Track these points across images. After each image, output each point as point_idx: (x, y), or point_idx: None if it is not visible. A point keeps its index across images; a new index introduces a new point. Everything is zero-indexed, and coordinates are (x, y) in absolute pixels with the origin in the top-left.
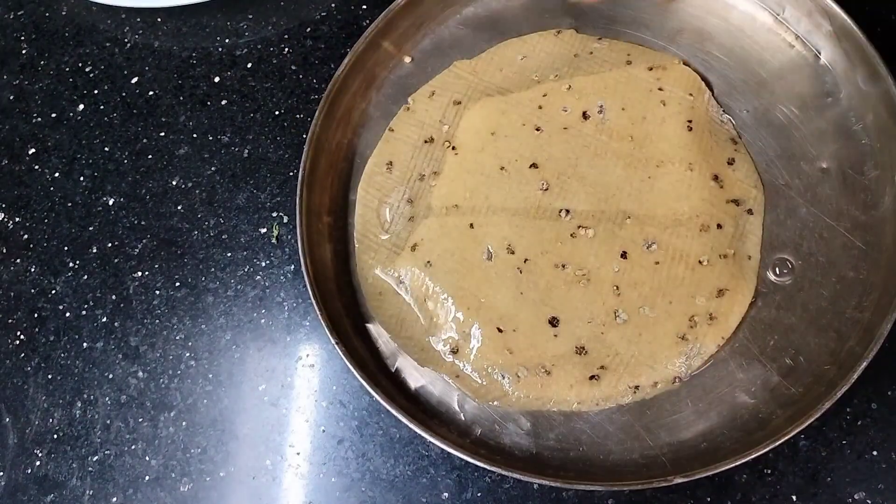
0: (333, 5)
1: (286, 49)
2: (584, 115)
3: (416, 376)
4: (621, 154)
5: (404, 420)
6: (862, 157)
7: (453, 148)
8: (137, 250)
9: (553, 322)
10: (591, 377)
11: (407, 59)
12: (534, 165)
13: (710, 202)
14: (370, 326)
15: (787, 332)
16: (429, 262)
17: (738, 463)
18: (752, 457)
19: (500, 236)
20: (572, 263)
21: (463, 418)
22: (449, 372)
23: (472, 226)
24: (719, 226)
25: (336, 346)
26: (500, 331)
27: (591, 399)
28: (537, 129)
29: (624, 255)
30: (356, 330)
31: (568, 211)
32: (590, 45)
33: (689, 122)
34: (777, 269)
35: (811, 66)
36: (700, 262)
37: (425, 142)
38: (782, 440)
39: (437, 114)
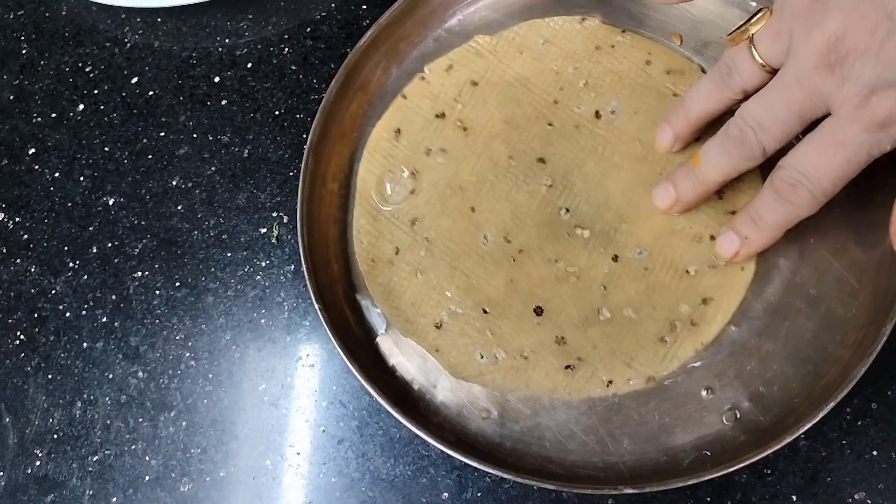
0: (333, 5)
1: (286, 49)
2: (597, 115)
3: (394, 351)
4: (627, 158)
5: (375, 394)
6: (870, 193)
7: (465, 129)
8: (137, 250)
9: (538, 311)
10: (567, 367)
11: (432, 38)
12: (541, 160)
13: (706, 213)
14: (359, 297)
15: (766, 360)
16: (426, 238)
17: (693, 482)
18: (706, 478)
19: (500, 224)
20: (565, 260)
21: (434, 399)
22: (430, 346)
23: (473, 209)
24: (712, 237)
25: (319, 311)
26: (485, 312)
27: (564, 388)
28: (550, 125)
29: (615, 258)
30: (346, 300)
31: (568, 210)
32: (612, 38)
33: None
34: None
35: None
36: (687, 271)
37: (437, 116)
38: (740, 465)
39: (453, 91)
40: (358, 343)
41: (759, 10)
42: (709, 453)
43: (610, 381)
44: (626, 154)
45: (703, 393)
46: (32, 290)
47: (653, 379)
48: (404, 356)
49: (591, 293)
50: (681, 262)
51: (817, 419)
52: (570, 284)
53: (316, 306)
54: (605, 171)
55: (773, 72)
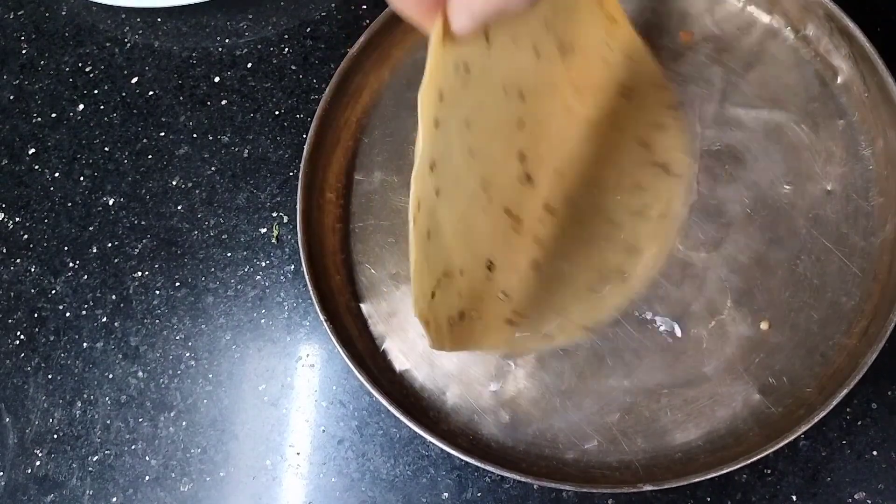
0: (333, 5)
1: (286, 49)
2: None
3: (401, 359)
4: (564, 107)
5: (391, 407)
6: (867, 183)
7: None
8: (137, 250)
9: (489, 266)
10: (509, 322)
11: (424, 41)
12: (521, 96)
13: (635, 163)
14: (362, 306)
15: (774, 352)
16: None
17: (709, 476)
18: (724, 472)
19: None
20: (513, 209)
21: (444, 406)
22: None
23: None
24: (640, 187)
25: (324, 322)
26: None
27: (507, 343)
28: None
29: (550, 210)
30: (348, 309)
31: (524, 156)
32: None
33: (626, 87)
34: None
35: (827, 86)
36: (616, 221)
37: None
38: (754, 458)
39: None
40: (363, 352)
41: None
42: (722, 447)
43: (547, 335)
44: (564, 101)
45: (714, 388)
46: (32, 290)
47: (587, 329)
48: (412, 364)
49: (528, 245)
50: (610, 211)
51: (830, 408)
52: (512, 235)
53: (321, 317)
54: (547, 116)
55: None
